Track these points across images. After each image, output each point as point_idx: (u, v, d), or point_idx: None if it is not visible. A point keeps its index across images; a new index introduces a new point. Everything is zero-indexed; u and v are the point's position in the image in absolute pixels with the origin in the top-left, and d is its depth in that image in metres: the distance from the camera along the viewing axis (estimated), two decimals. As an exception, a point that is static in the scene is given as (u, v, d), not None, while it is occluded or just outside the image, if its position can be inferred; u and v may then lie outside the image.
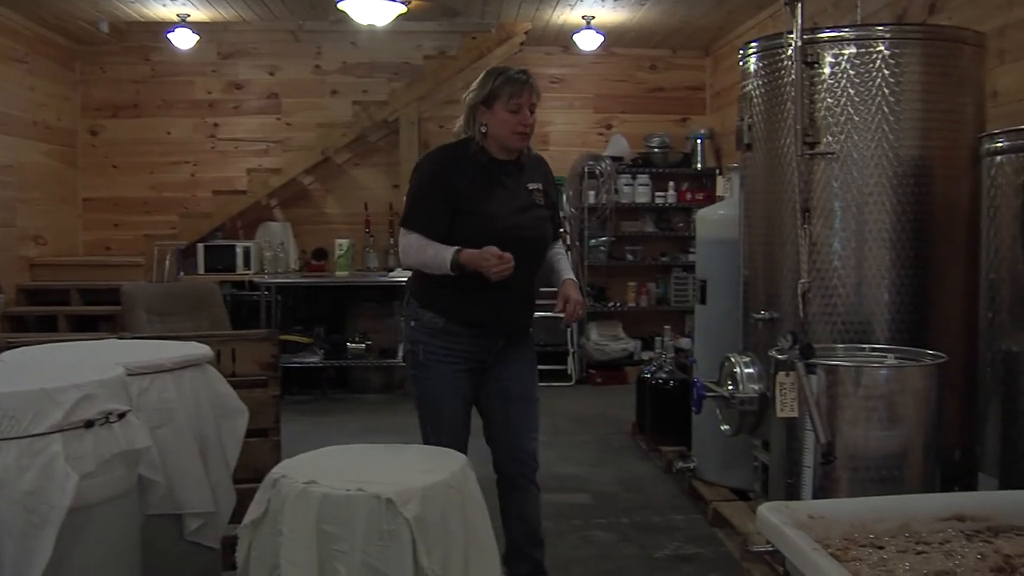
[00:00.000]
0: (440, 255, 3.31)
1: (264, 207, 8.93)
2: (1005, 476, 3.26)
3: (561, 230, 3.85)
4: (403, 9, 7.17)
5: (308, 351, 8.28)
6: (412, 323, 3.51)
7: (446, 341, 3.43)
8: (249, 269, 8.44)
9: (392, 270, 8.64)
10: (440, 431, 3.48)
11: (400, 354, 8.14)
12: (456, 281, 3.32)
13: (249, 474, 3.36)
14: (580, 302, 3.45)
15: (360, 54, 9.16)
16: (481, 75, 3.42)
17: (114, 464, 2.39)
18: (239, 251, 8.49)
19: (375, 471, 2.58)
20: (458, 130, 3.47)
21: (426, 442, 3.49)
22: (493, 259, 3.22)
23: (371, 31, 8.51)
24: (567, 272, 3.61)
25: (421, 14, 8.17)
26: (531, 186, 3.49)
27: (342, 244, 8.65)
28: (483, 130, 3.37)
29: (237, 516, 2.86)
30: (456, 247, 3.30)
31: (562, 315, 3.44)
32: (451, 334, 3.43)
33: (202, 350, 3.23)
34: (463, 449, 3.42)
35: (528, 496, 3.61)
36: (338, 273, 8.61)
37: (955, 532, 2.31)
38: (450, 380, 3.47)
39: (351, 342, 8.25)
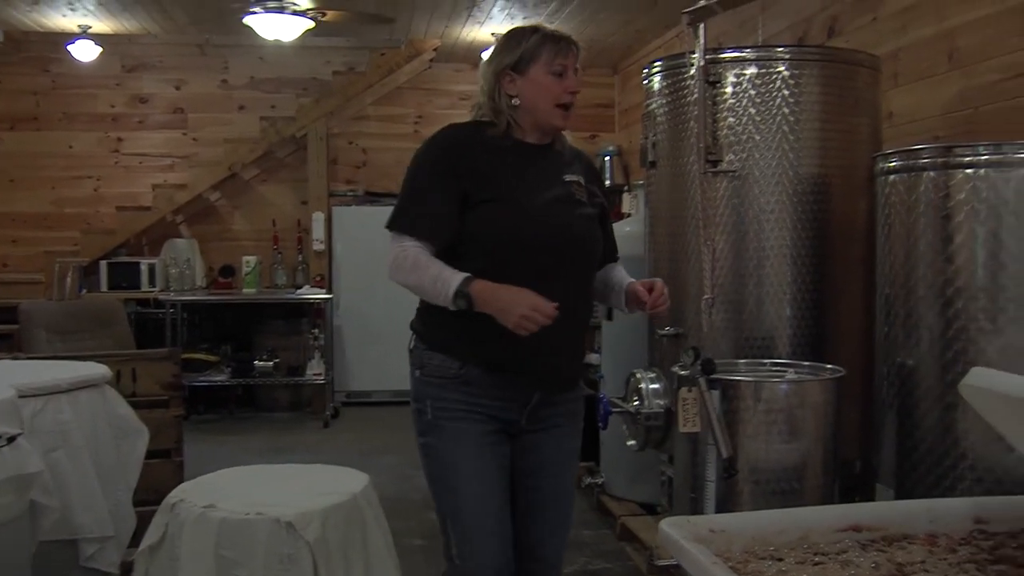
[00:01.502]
0: (443, 278, 2.43)
1: (170, 223, 8.79)
2: (901, 486, 3.33)
3: (618, 255, 2.92)
4: (310, 25, 7.11)
5: (215, 369, 8.17)
6: (417, 372, 2.62)
7: (464, 393, 2.54)
8: (154, 287, 8.28)
9: (300, 287, 8.56)
10: (465, 524, 2.54)
11: (308, 371, 8.06)
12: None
13: (151, 496, 3.29)
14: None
15: (268, 69, 9.07)
16: (501, 38, 2.66)
17: (3, 490, 2.32)
18: (144, 268, 8.32)
19: (276, 493, 2.55)
20: (476, 111, 2.67)
21: (447, 551, 2.58)
22: (526, 304, 2.35)
23: (279, 46, 8.43)
24: (629, 278, 2.80)
25: (330, 30, 8.12)
26: (569, 178, 2.66)
27: (249, 261, 8.57)
28: (514, 103, 2.57)
29: (139, 540, 2.79)
30: (467, 274, 2.43)
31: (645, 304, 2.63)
32: (469, 384, 2.54)
33: (99, 370, 3.16)
34: (507, 554, 2.57)
35: None
36: (245, 290, 8.52)
37: (852, 542, 2.36)
38: (472, 444, 2.55)
39: (259, 360, 8.15)
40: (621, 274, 2.83)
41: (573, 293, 2.57)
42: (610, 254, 2.84)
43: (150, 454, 3.30)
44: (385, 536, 2.61)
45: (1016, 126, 3.88)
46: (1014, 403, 2.34)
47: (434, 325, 2.58)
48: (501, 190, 2.52)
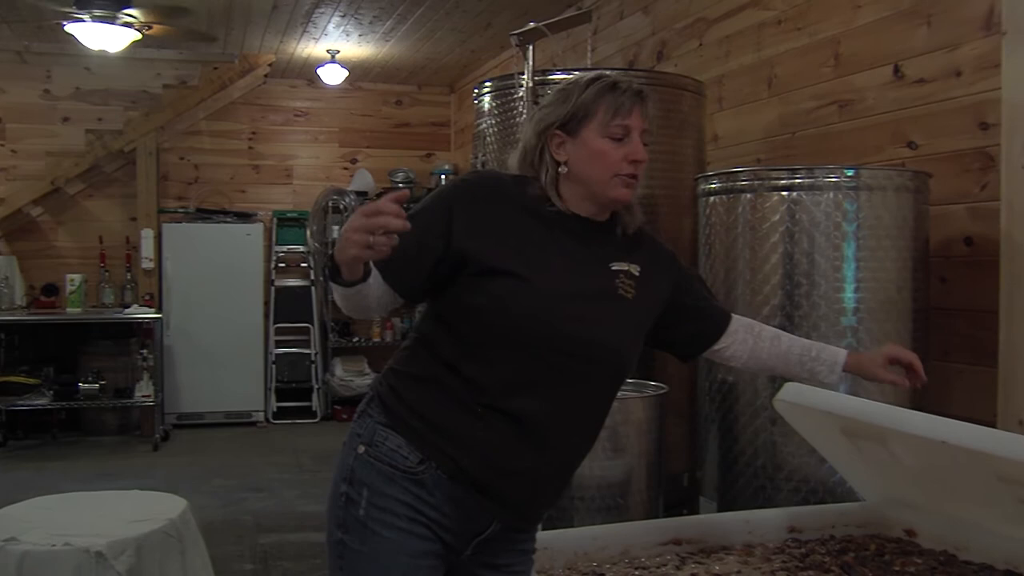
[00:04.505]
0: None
1: (-14, 239, 8.38)
2: (723, 499, 3.43)
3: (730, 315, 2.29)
4: (137, 36, 6.89)
5: (36, 392, 7.78)
6: (361, 448, 1.98)
7: (412, 496, 1.93)
8: (-33, 306, 7.87)
9: (128, 306, 8.27)
10: None
11: (136, 393, 7.78)
12: (468, 390, 1.90)
13: (-45, 530, 3.12)
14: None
15: (95, 80, 8.74)
16: (558, 88, 2.07)
17: None
18: (-44, 287, 7.91)
19: (86, 522, 2.44)
20: (520, 160, 2.10)
21: None
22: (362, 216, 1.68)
23: (106, 57, 8.15)
24: (830, 347, 2.31)
25: (160, 41, 7.91)
26: (617, 266, 2.04)
27: (74, 279, 8.25)
28: (562, 170, 2.01)
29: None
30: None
31: (902, 382, 2.21)
32: (423, 486, 1.93)
33: None
34: None
35: None
36: (70, 310, 8.20)
37: (672, 555, 2.42)
38: (404, 566, 1.93)
39: (84, 382, 7.80)
40: (795, 340, 2.32)
41: (580, 411, 2.00)
42: (720, 319, 2.26)
43: (-45, 484, 3.12)
44: (204, 562, 2.53)
45: (828, 150, 4.07)
46: (823, 416, 2.45)
47: (404, 399, 1.97)
48: (513, 261, 1.93)
